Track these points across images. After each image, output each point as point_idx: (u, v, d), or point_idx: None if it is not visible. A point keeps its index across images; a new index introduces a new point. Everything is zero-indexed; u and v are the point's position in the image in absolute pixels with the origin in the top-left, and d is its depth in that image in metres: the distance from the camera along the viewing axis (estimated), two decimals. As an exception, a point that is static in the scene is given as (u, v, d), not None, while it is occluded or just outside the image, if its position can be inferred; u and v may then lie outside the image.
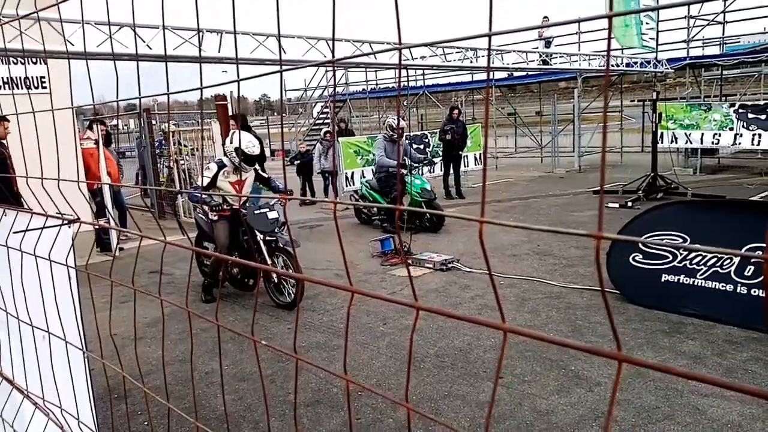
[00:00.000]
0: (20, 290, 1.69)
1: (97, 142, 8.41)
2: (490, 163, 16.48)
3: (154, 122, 12.29)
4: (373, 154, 11.53)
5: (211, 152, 10.26)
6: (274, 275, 5.61)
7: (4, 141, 6.27)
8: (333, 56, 0.63)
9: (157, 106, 12.64)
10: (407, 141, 9.67)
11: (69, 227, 1.48)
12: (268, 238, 5.57)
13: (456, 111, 11.97)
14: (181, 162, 11.60)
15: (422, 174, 9.48)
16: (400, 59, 0.64)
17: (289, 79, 25.05)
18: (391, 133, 9.09)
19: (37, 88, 7.80)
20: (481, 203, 0.58)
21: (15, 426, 1.98)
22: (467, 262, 6.81)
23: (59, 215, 1.51)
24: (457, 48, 8.75)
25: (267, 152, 26.29)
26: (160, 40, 5.30)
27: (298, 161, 13.20)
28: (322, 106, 22.73)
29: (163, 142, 12.73)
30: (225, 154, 5.80)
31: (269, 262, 5.60)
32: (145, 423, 3.60)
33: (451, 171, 12.04)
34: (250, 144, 5.70)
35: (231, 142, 5.75)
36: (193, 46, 5.34)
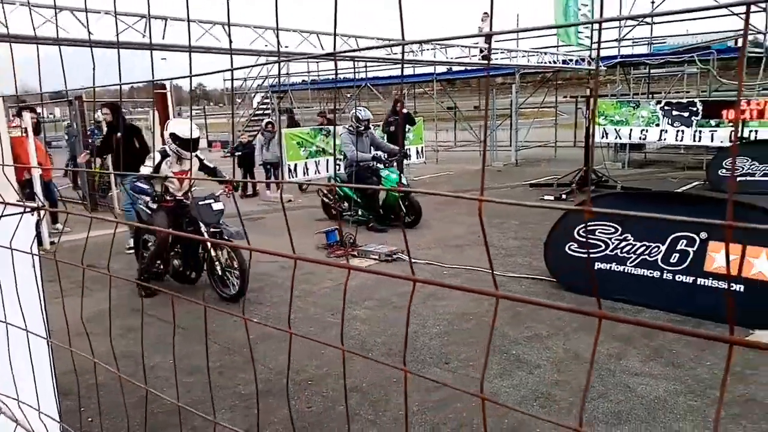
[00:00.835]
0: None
1: (25, 130, 8.03)
2: (430, 156, 16.73)
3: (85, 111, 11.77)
4: (318, 148, 11.52)
5: (149, 142, 9.95)
6: (218, 267, 5.55)
7: None
8: (334, 49, 0.70)
9: (85, 94, 12.10)
10: (374, 132, 9.26)
11: (32, 215, 1.47)
12: (212, 229, 5.51)
13: (400, 104, 12.10)
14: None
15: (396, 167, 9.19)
16: (402, 55, 0.71)
17: (226, 67, 24.51)
18: (357, 125, 8.62)
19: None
20: (480, 184, 0.66)
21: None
22: (411, 253, 6.94)
23: (20, 203, 1.49)
24: (402, 42, 8.84)
25: (204, 143, 25.74)
26: (105, 26, 5.13)
27: (240, 152, 12.99)
28: (262, 97, 22.39)
29: (96, 131, 12.24)
30: (165, 143, 5.70)
31: (213, 254, 5.54)
32: (90, 420, 3.52)
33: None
34: (183, 127, 5.61)
35: (167, 129, 5.66)
36: (137, 33, 5.19)
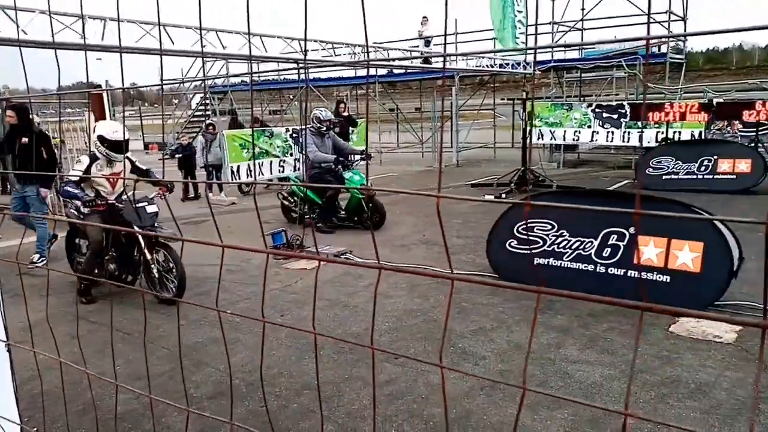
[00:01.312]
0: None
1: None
2: (375, 157, 16.89)
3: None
4: (261, 150, 11.42)
5: (81, 144, 9.66)
6: (155, 270, 5.48)
7: None
8: (305, 57, 0.78)
9: (9, 92, 11.59)
10: (334, 134, 8.92)
11: (-10, 221, 1.47)
12: (147, 232, 5.46)
13: (342, 105, 12.16)
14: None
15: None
16: (368, 66, 0.80)
17: (165, 68, 23.85)
18: (319, 125, 8.42)
19: None
20: (438, 182, 0.76)
21: None
22: (359, 253, 7.05)
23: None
24: (346, 44, 8.94)
25: (140, 145, 24.97)
26: (38, 26, 4.97)
27: (180, 155, 12.73)
28: (201, 98, 21.96)
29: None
30: (96, 146, 5.58)
31: (149, 257, 5.48)
32: (35, 429, 3.43)
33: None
34: (111, 130, 5.54)
35: (94, 132, 5.57)
36: (74, 33, 5.06)
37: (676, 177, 11.07)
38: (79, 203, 5.48)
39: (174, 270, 5.41)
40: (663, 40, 14.30)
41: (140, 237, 5.41)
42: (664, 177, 11.13)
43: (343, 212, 8.58)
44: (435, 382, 3.79)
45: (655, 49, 14.48)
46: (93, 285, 5.78)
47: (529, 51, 12.58)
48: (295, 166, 12.42)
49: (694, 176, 10.91)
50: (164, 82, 1.19)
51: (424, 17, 17.03)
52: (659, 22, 14.76)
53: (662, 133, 12.76)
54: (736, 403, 3.43)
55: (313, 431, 3.29)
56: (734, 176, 10.58)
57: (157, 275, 5.50)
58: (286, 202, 9.03)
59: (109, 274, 5.80)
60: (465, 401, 3.55)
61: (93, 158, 5.51)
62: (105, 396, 3.81)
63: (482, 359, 4.11)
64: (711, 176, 10.78)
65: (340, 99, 13.16)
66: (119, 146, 5.47)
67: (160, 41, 1.66)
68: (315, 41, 8.33)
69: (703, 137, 12.30)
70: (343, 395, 3.67)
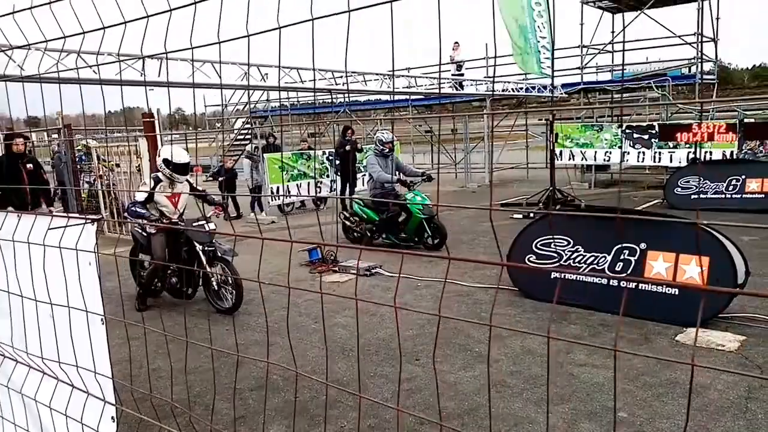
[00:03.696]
0: (41, 277, 2.17)
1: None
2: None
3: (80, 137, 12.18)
4: (299, 171, 12.08)
5: (135, 168, 10.44)
6: (214, 282, 6.02)
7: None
8: (347, 87, 1.25)
9: (72, 121, 12.60)
10: (396, 155, 9.19)
11: (93, 225, 1.99)
12: (207, 248, 5.99)
13: (349, 131, 12.58)
14: (104, 178, 11.65)
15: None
16: (393, 86, 1.27)
17: (207, 94, 24.96)
18: (382, 147, 8.79)
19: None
20: (437, 191, 1.22)
21: (24, 391, 2.41)
22: (389, 268, 7.50)
23: (81, 216, 2.02)
24: (376, 74, 9.51)
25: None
26: (104, 65, 5.69)
27: (222, 177, 13.45)
28: (243, 122, 22.92)
29: (84, 157, 12.67)
30: (159, 169, 6.15)
31: (209, 269, 6.02)
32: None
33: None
34: (175, 153, 6.05)
35: (159, 156, 6.15)
36: (135, 71, 5.77)
37: (704, 196, 11.20)
38: (143, 222, 6.06)
39: (231, 283, 5.93)
40: (693, 61, 14.46)
41: (200, 253, 5.94)
42: (692, 197, 11.27)
43: (404, 234, 8.67)
44: (450, 380, 4.20)
45: (685, 70, 14.64)
46: (149, 295, 6.38)
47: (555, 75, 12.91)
48: (331, 188, 13.04)
49: (722, 195, 11.01)
50: (207, 106, 1.68)
51: (456, 42, 17.59)
52: (690, 44, 14.91)
53: (693, 153, 12.89)
54: (726, 402, 3.73)
55: (340, 417, 3.74)
56: (763, 195, 10.66)
57: (216, 287, 6.05)
58: (348, 222, 9.18)
59: (171, 286, 6.40)
60: (476, 396, 3.94)
61: (156, 181, 6.10)
62: (161, 387, 4.34)
63: (495, 362, 4.49)
64: (739, 195, 10.88)
65: (347, 126, 13.35)
66: (183, 168, 6.06)
67: (220, 76, 2.13)
68: (347, 72, 8.90)
69: (734, 157, 12.38)
70: (367, 389, 4.10)
